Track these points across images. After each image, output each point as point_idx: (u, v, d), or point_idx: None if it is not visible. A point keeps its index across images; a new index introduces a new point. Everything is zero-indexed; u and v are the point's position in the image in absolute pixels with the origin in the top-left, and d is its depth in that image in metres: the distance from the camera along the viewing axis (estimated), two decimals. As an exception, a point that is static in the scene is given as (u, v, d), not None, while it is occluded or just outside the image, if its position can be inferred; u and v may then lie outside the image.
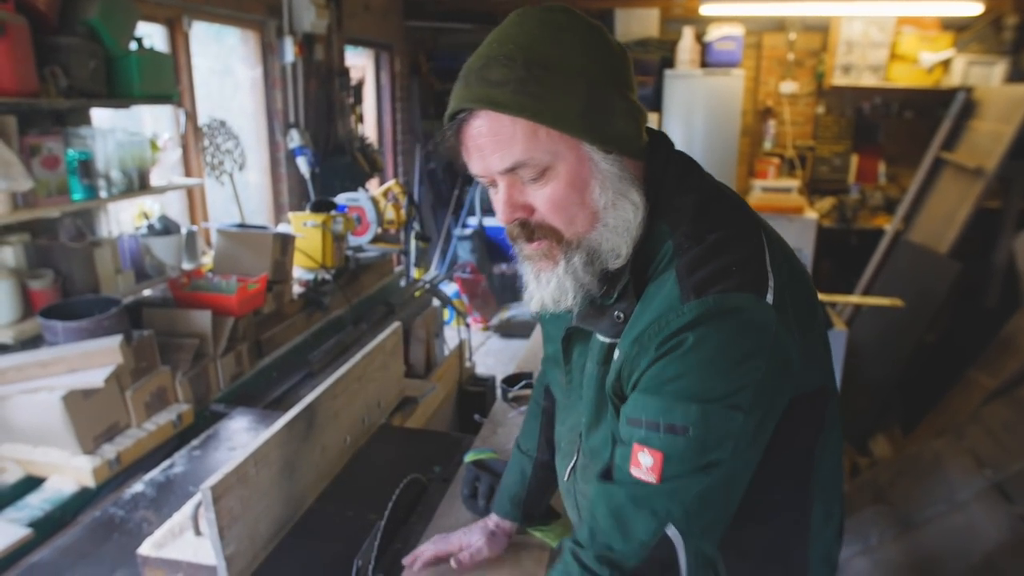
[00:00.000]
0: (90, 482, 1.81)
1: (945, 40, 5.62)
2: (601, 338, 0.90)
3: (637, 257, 0.86)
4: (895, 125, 6.05)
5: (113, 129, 2.46)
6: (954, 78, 5.51)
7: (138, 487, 1.69)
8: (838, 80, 5.87)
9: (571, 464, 1.05)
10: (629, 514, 0.80)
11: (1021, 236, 3.83)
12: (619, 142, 0.84)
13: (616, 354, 0.86)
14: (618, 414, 0.87)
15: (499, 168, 0.83)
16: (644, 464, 0.79)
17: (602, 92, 0.82)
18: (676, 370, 0.78)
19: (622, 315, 0.86)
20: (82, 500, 1.82)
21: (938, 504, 2.58)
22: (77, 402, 1.82)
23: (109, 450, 1.90)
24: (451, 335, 4.30)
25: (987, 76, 5.34)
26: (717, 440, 0.77)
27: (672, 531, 0.78)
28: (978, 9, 4.89)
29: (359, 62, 5.42)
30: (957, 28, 5.60)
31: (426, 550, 1.27)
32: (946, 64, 5.62)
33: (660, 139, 0.92)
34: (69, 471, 1.82)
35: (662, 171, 0.89)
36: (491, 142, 0.81)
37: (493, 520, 1.32)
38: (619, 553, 0.81)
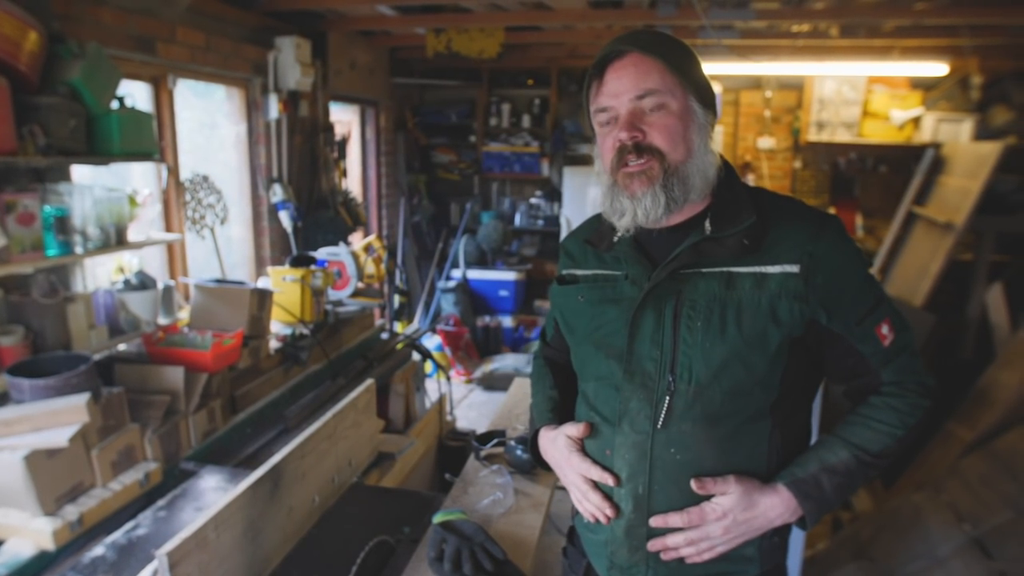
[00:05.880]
0: (49, 545, 1.77)
1: (914, 98, 5.81)
2: (724, 269, 1.09)
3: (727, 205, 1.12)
4: (871, 179, 6.20)
5: (91, 185, 2.47)
6: (924, 134, 5.68)
7: (98, 550, 1.65)
8: (813, 136, 6.03)
9: (663, 411, 1.09)
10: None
11: (993, 288, 3.89)
12: (711, 112, 1.13)
13: (771, 270, 1.07)
14: (757, 320, 1.07)
15: (633, 93, 1.08)
16: (887, 335, 1.10)
17: (706, 84, 1.13)
18: (858, 263, 1.10)
19: (748, 241, 1.09)
20: (40, 564, 1.77)
21: (919, 560, 2.55)
22: (40, 462, 1.79)
23: (71, 511, 1.85)
24: (434, 388, 4.28)
25: (956, 133, 5.50)
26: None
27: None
28: (943, 70, 5.07)
29: (345, 117, 5.51)
30: (926, 87, 5.79)
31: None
32: (916, 121, 5.79)
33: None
34: (28, 533, 1.78)
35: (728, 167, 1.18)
36: (633, 73, 1.08)
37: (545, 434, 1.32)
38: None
